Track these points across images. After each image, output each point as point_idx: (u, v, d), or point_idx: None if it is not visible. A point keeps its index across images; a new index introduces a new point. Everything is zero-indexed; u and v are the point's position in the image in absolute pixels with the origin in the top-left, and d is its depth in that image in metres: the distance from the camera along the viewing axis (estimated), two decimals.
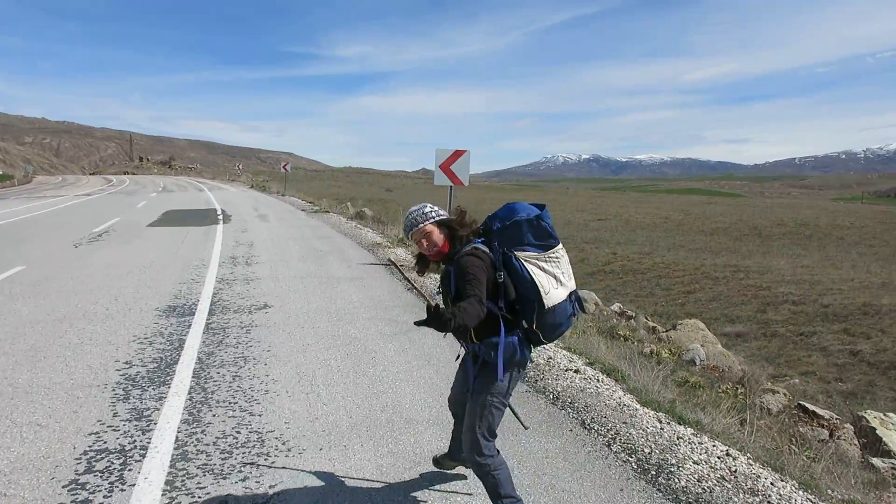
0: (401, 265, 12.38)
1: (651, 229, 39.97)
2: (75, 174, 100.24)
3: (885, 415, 8.37)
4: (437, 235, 3.29)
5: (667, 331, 12.68)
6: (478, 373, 3.34)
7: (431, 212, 3.32)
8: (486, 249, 3.24)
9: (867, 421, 8.08)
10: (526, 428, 4.01)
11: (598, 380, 5.89)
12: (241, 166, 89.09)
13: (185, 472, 4.00)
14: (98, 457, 4.16)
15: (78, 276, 10.56)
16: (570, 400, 5.32)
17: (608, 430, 4.72)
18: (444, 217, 3.33)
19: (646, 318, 14.42)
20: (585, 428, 4.77)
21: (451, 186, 11.36)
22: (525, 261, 3.18)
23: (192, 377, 5.73)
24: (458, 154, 11.15)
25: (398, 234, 16.44)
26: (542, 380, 5.82)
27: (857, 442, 7.72)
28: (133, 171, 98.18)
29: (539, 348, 6.79)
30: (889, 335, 16.03)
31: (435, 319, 2.85)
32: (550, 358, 6.49)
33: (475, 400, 3.33)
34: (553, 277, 3.21)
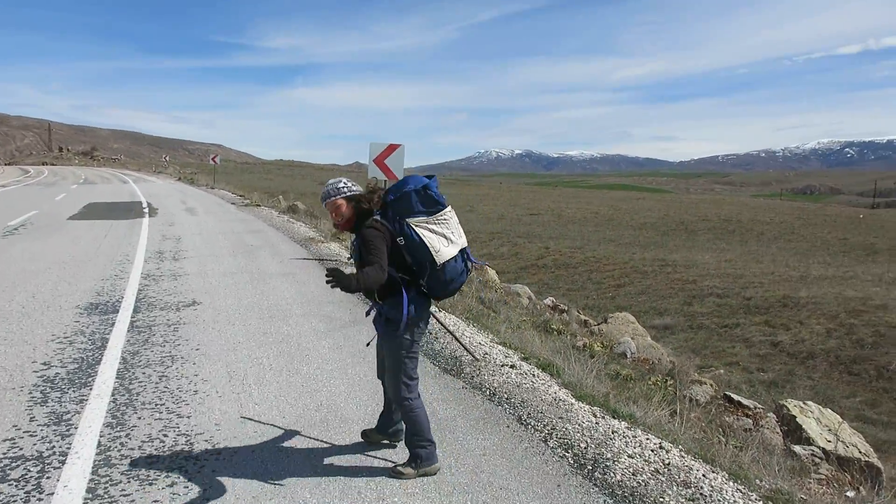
0: (335, 261, 12.21)
1: (582, 224, 40.70)
2: None
3: (804, 403, 8.69)
4: (346, 209, 3.79)
5: (598, 324, 12.90)
6: (385, 330, 3.83)
7: (344, 187, 3.80)
8: (385, 221, 3.69)
9: (788, 409, 8.37)
10: (476, 359, 4.74)
11: (533, 375, 5.92)
12: (167, 158, 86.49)
13: (108, 478, 3.81)
14: (13, 464, 3.93)
15: None
16: (506, 396, 5.31)
17: (545, 425, 4.74)
18: (355, 193, 3.80)
19: (578, 312, 14.65)
20: (522, 424, 4.78)
21: (384, 181, 11.25)
22: (416, 226, 3.65)
23: (116, 378, 5.48)
24: (392, 148, 11.04)
25: (332, 229, 16.21)
26: (478, 376, 5.80)
27: (779, 430, 8.00)
28: (52, 162, 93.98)
29: (475, 345, 6.78)
30: (807, 326, 16.74)
31: (342, 282, 3.38)
32: (487, 353, 6.49)
33: (389, 356, 3.89)
34: (443, 237, 3.70)
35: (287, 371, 5.83)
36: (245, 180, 47.31)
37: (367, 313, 4.09)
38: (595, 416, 4.97)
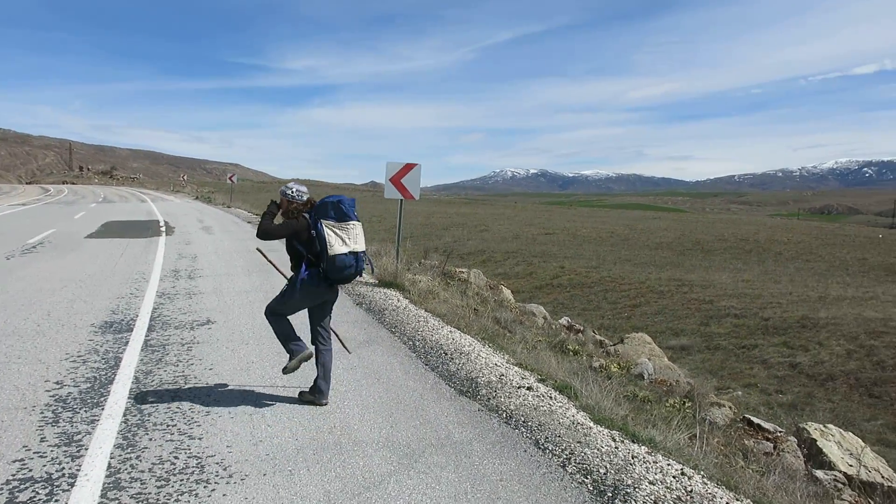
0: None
1: (598, 244, 40.48)
2: (10, 183, 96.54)
3: (824, 426, 8.51)
4: (284, 203, 5.39)
5: (614, 344, 12.75)
6: (288, 284, 5.46)
7: (289, 190, 5.39)
8: (308, 217, 5.30)
9: (808, 433, 8.20)
10: (349, 352, 6.59)
11: (550, 397, 5.81)
12: (185, 177, 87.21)
13: (117, 501, 3.74)
14: (22, 486, 3.87)
15: (8, 290, 10.04)
16: (523, 419, 5.21)
17: (563, 449, 4.63)
18: (291, 195, 5.35)
19: (594, 332, 14.50)
20: (540, 448, 4.67)
21: (401, 200, 11.22)
22: (325, 226, 5.18)
23: (128, 398, 5.43)
24: (408, 167, 11.02)
25: None
26: (494, 398, 5.70)
27: (800, 454, 7.82)
28: (73, 181, 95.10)
29: (491, 366, 6.69)
30: (826, 348, 16.47)
31: (262, 218, 5.42)
32: (503, 375, 6.39)
33: (280, 293, 5.54)
34: (340, 238, 5.19)
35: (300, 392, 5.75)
36: (262, 199, 47.54)
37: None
38: (614, 440, 4.86)
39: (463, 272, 15.56)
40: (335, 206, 5.23)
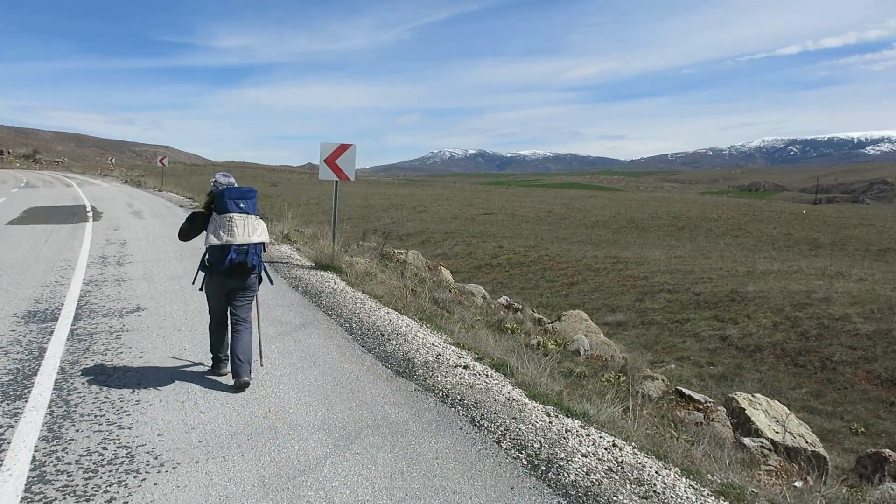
0: (285, 263, 12.00)
1: (536, 223, 40.95)
2: None
3: (752, 395, 8.83)
4: (208, 195, 5.57)
5: (552, 322, 12.94)
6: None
7: (212, 182, 5.59)
8: (211, 207, 5.48)
9: (737, 402, 8.49)
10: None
11: (487, 375, 5.87)
12: (113, 160, 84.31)
13: (42, 495, 3.63)
14: None
15: None
16: (459, 397, 5.25)
17: (498, 426, 4.69)
18: (212, 188, 5.55)
19: (532, 310, 14.68)
20: (475, 425, 4.72)
21: (336, 181, 11.09)
22: (213, 218, 5.41)
23: (54, 389, 5.25)
24: (343, 148, 10.89)
25: (283, 230, 15.96)
26: (431, 377, 5.73)
27: (728, 423, 8.11)
28: None
29: (428, 346, 6.72)
30: (754, 320, 17.08)
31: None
32: (440, 355, 6.42)
33: None
34: (221, 230, 5.32)
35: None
36: (195, 182, 46.33)
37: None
38: (549, 415, 4.94)
39: (401, 253, 15.53)
40: (219, 197, 5.40)
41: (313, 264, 11.51)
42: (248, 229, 5.37)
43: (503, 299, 15.11)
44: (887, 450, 8.05)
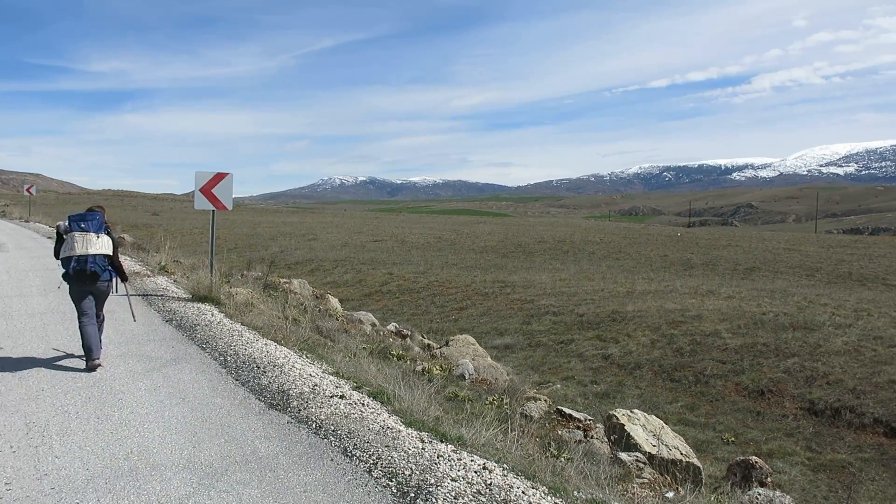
0: (160, 296, 11.49)
1: (426, 249, 41.21)
2: None
3: (631, 411, 9.15)
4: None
5: (440, 347, 13.00)
6: None
7: (61, 225, 7.09)
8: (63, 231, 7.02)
9: (617, 418, 8.76)
10: (135, 320, 8.51)
11: (363, 404, 5.81)
12: None
13: None
14: None
15: None
16: (333, 428, 5.16)
17: (370, 455, 4.63)
18: (58, 229, 7.14)
19: (422, 336, 14.71)
20: (347, 456, 4.64)
21: (213, 210, 10.78)
22: (64, 234, 6.95)
23: None
24: (220, 177, 10.61)
25: (160, 262, 15.31)
26: (305, 409, 5.60)
27: (607, 439, 8.35)
28: None
29: (305, 377, 6.59)
30: (634, 339, 17.79)
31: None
32: (317, 385, 6.30)
33: None
34: (66, 246, 6.85)
35: (96, 418, 5.36)
36: (67, 212, 43.71)
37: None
38: (423, 441, 4.94)
39: (287, 282, 15.22)
40: (66, 222, 7.00)
41: (190, 296, 11.09)
42: (86, 244, 6.83)
43: (392, 326, 15.06)
44: (754, 457, 8.53)
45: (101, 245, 6.89)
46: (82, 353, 7.00)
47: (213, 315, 9.68)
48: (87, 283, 6.92)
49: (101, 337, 7.25)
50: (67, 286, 7.05)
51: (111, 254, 7.03)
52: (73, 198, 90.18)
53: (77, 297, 7.01)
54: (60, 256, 6.91)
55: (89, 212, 7.11)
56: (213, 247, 11.51)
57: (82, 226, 6.86)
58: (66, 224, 6.94)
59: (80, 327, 6.91)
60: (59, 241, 7.07)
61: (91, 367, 6.76)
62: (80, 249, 6.77)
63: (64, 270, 6.92)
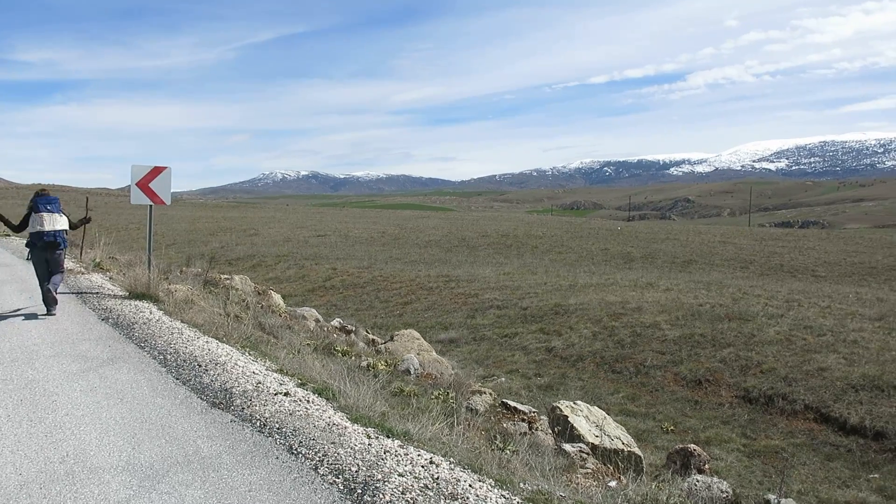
0: (95, 293, 11.14)
1: (369, 244, 41.02)
2: None
3: (574, 403, 9.28)
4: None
5: (385, 342, 12.96)
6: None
7: (31, 200, 9.25)
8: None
9: (560, 410, 8.88)
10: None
11: (308, 401, 5.75)
12: None
13: None
14: None
15: None
16: (278, 426, 5.09)
17: (316, 452, 4.59)
18: (30, 202, 9.31)
19: (366, 331, 14.64)
20: (293, 453, 4.59)
21: (150, 205, 10.50)
22: (32, 213, 9.10)
23: None
24: (157, 171, 10.34)
25: (94, 258, 14.84)
26: (249, 407, 5.51)
27: (551, 430, 8.47)
28: None
29: (248, 374, 6.49)
30: (576, 331, 18.06)
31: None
32: (260, 383, 6.21)
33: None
34: (36, 223, 9.03)
35: (28, 422, 5.16)
36: None
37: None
38: (369, 437, 4.92)
39: (228, 279, 14.94)
40: (33, 204, 9.14)
41: (127, 293, 10.79)
42: (52, 222, 9.10)
43: (336, 321, 14.95)
44: (693, 445, 8.77)
45: (62, 223, 9.24)
46: (9, 357, 7.02)
47: (151, 313, 9.44)
48: (52, 250, 9.14)
49: (59, 285, 9.39)
50: (31, 256, 9.28)
51: (68, 228, 9.45)
52: (1, 192, 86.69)
53: (39, 263, 9.19)
54: (33, 231, 9.04)
55: (51, 196, 9.33)
56: (150, 242, 11.20)
57: (48, 207, 9.12)
58: (34, 203, 9.08)
59: (42, 292, 9.18)
60: (25, 218, 9.19)
61: (51, 304, 9.09)
62: (48, 226, 9.03)
63: (32, 242, 9.10)
